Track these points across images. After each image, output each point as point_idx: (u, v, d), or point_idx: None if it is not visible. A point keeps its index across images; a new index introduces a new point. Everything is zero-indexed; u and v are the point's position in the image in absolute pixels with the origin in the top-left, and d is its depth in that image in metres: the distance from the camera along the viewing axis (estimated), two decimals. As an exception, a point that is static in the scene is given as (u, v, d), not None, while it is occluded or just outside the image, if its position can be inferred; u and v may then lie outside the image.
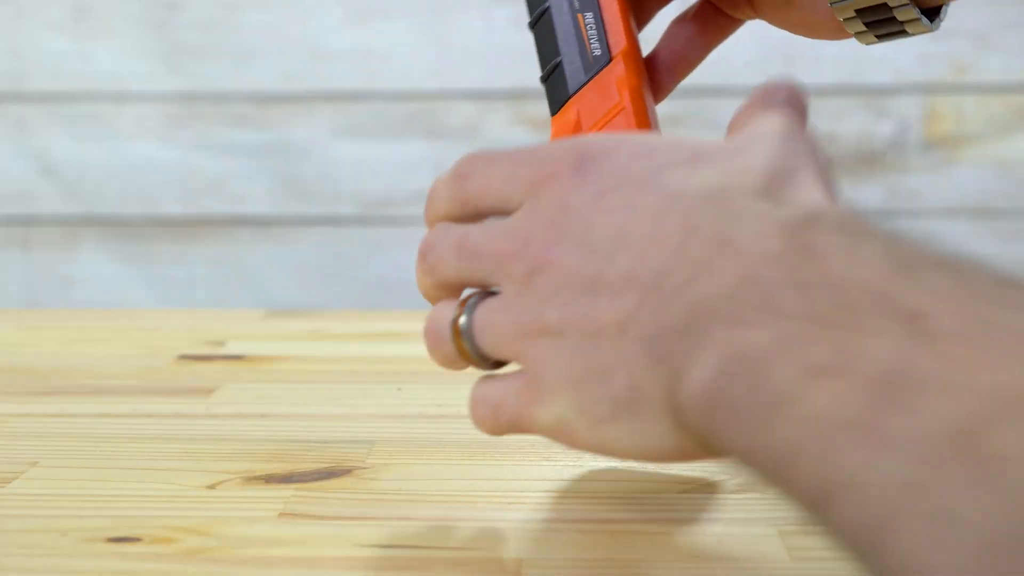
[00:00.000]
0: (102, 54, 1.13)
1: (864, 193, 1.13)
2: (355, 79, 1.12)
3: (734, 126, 0.33)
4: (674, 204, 0.29)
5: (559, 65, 0.43)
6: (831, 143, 1.13)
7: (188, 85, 1.13)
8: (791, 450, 0.23)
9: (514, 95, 1.10)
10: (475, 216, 0.35)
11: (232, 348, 0.64)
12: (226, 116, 1.14)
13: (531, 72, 1.11)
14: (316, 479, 0.42)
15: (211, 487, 0.41)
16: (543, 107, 1.13)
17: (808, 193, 0.29)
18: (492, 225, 0.34)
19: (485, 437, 0.45)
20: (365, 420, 0.50)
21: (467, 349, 0.34)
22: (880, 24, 0.41)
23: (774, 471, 0.24)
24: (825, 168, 0.31)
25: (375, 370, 0.60)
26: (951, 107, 1.12)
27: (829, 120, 1.13)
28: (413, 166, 1.13)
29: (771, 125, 0.31)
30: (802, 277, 0.24)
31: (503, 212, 0.34)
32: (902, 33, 0.42)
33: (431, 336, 0.35)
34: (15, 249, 1.16)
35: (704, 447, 0.27)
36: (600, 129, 0.42)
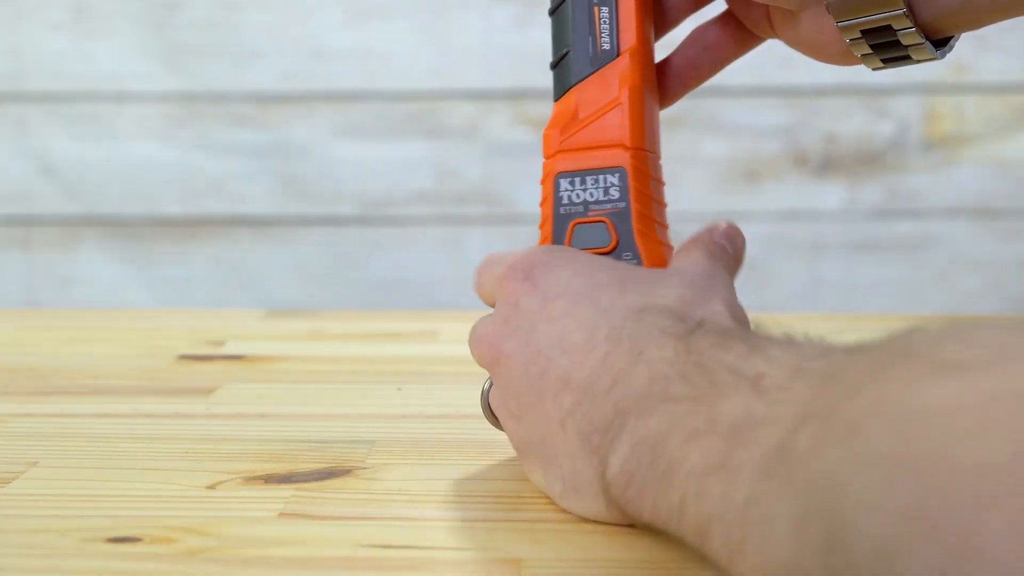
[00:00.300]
0: (102, 54, 1.13)
1: (864, 193, 1.13)
2: (355, 79, 1.12)
3: (676, 255, 0.41)
4: (604, 318, 0.36)
5: (567, 54, 0.44)
6: (831, 143, 1.13)
7: (188, 85, 1.13)
8: (680, 503, 0.29)
9: (514, 95, 1.10)
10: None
11: (232, 348, 0.64)
12: (226, 116, 1.14)
13: (531, 72, 1.12)
14: (316, 479, 0.42)
15: (211, 487, 0.41)
16: (543, 107, 1.13)
17: (707, 310, 0.36)
18: (485, 319, 0.41)
19: (484, 437, 0.45)
20: (365, 420, 0.50)
21: (488, 418, 0.42)
22: (885, 47, 0.41)
23: (674, 525, 0.30)
24: (733, 300, 0.38)
25: (375, 370, 0.60)
26: (951, 107, 1.12)
27: (829, 120, 1.13)
28: (413, 166, 1.13)
29: (698, 264, 0.39)
30: (685, 369, 0.31)
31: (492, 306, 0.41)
32: (907, 59, 0.42)
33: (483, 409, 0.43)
34: (15, 249, 1.16)
35: (628, 517, 0.34)
36: (596, 120, 0.42)
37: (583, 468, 0.35)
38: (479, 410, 0.42)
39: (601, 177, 0.42)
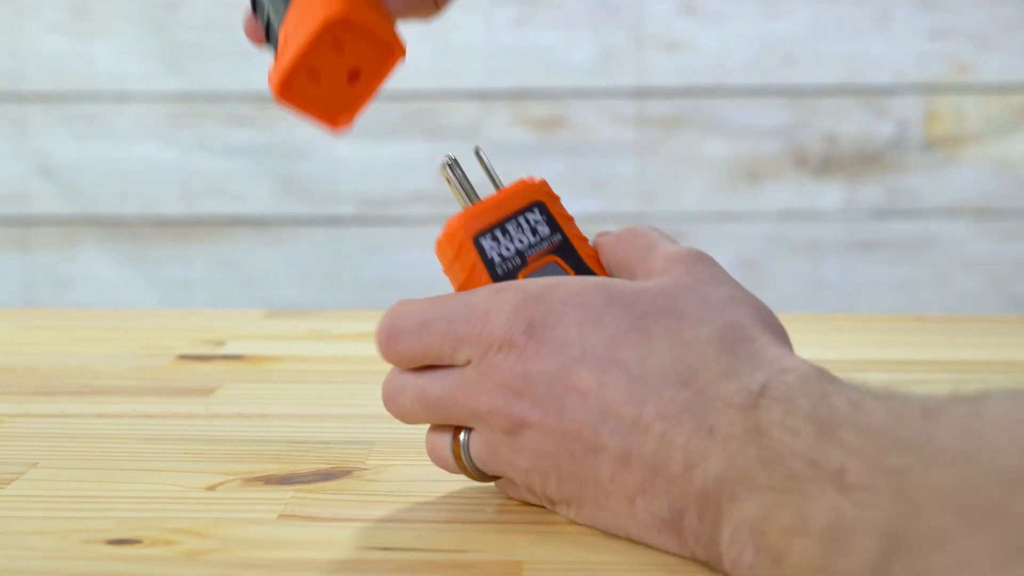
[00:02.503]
0: (102, 54, 1.13)
1: (864, 193, 1.13)
2: (355, 79, 1.12)
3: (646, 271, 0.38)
4: (645, 390, 0.34)
5: (268, 20, 0.40)
6: (831, 143, 1.13)
7: (188, 85, 1.13)
8: None
9: (514, 95, 1.10)
10: (418, 368, 0.38)
11: (232, 348, 0.64)
12: (226, 116, 1.14)
13: (531, 72, 1.12)
14: (316, 480, 0.42)
15: (211, 488, 0.41)
16: (543, 107, 1.13)
17: (760, 348, 0.34)
18: (447, 378, 0.37)
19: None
20: (365, 420, 0.50)
21: (473, 473, 0.38)
22: None
23: None
24: (744, 293, 0.37)
25: (375, 370, 0.59)
26: (951, 107, 1.12)
27: (829, 120, 1.13)
28: (413, 166, 1.13)
29: (682, 267, 0.37)
30: (761, 454, 0.30)
31: (443, 363, 0.38)
32: None
33: (437, 462, 0.39)
34: (14, 249, 1.16)
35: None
36: (305, 41, 0.38)
37: (659, 543, 0.34)
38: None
39: (522, 218, 0.38)
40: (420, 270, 1.16)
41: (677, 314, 0.35)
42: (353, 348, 0.66)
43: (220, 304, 1.14)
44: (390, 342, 0.39)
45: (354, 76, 0.40)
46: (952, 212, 1.13)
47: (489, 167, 0.40)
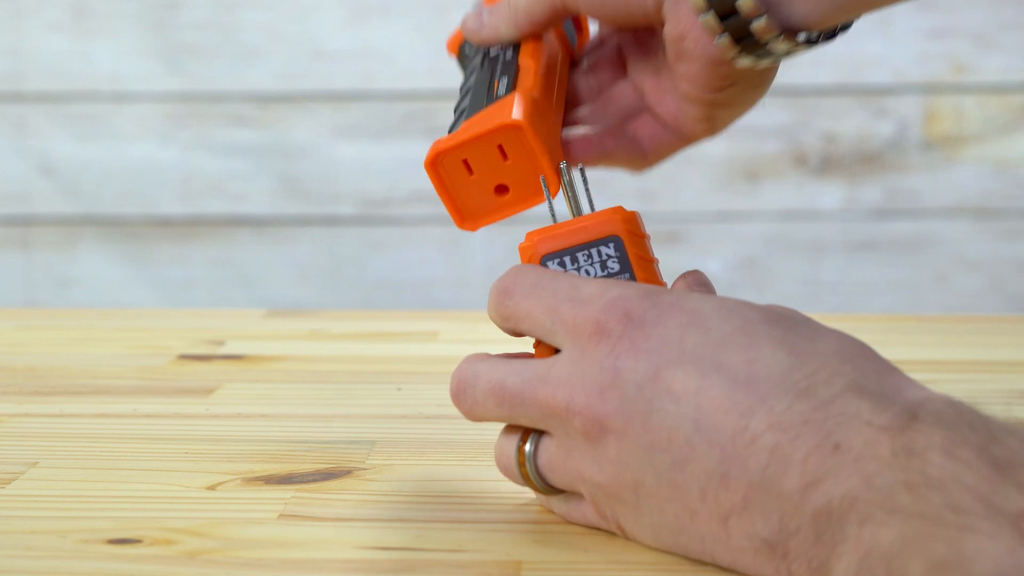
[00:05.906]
0: (102, 54, 1.13)
1: (864, 193, 1.13)
2: (354, 79, 1.12)
3: None
4: (754, 399, 0.31)
5: (462, 112, 0.42)
6: (831, 143, 1.13)
7: (188, 85, 1.13)
8: None
9: (514, 95, 1.10)
10: (515, 332, 0.37)
11: (232, 348, 0.64)
12: (226, 116, 1.14)
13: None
14: (316, 480, 0.42)
15: (211, 488, 0.41)
16: (543, 107, 1.13)
17: (894, 381, 0.31)
18: (527, 371, 0.35)
19: (484, 438, 0.45)
20: (365, 420, 0.50)
21: (536, 484, 0.36)
22: (746, 40, 0.39)
23: None
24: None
25: (375, 370, 0.60)
26: (951, 107, 1.12)
27: (829, 120, 1.13)
28: (413, 166, 1.13)
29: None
30: (909, 478, 0.27)
31: (540, 338, 0.36)
32: (763, 50, 0.39)
33: (503, 470, 0.37)
34: (14, 249, 1.16)
35: None
36: (476, 132, 0.39)
37: (758, 569, 0.31)
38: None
39: (594, 250, 0.37)
40: (420, 270, 1.16)
41: (789, 327, 0.33)
42: (353, 348, 0.66)
43: (220, 304, 1.14)
44: (503, 295, 0.37)
45: (502, 190, 0.41)
46: (952, 212, 1.13)
47: (571, 188, 0.39)
